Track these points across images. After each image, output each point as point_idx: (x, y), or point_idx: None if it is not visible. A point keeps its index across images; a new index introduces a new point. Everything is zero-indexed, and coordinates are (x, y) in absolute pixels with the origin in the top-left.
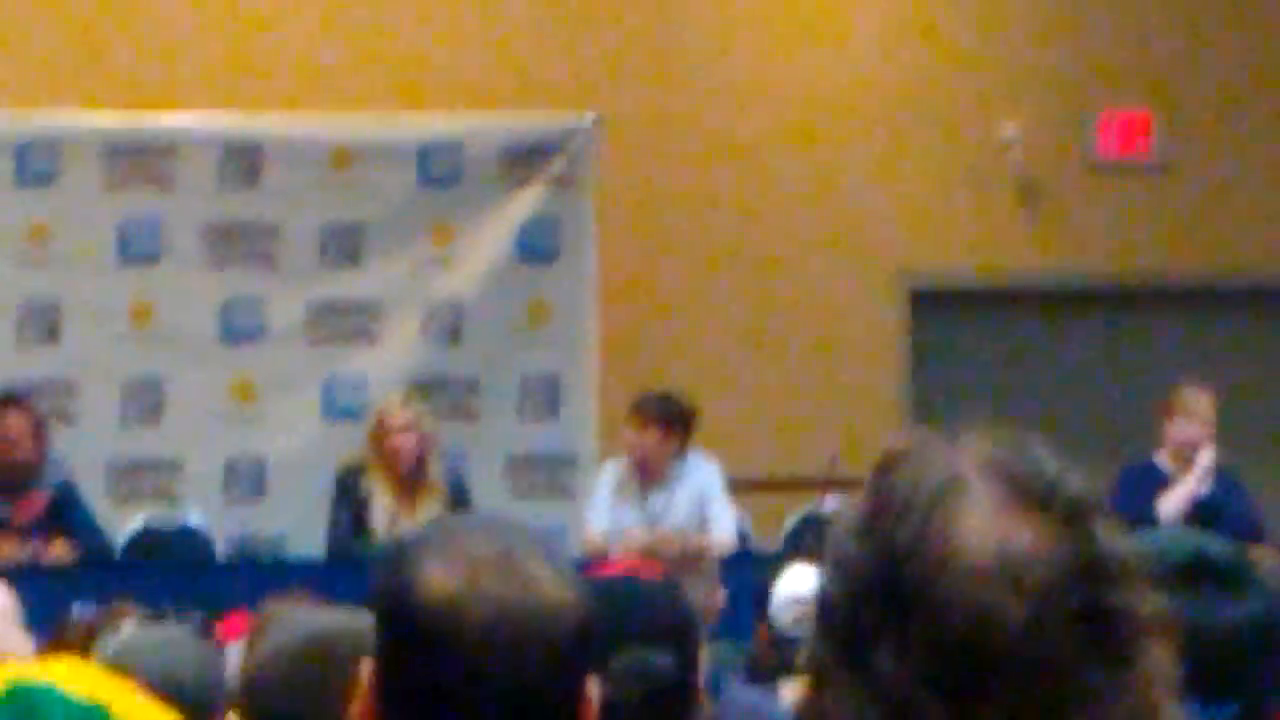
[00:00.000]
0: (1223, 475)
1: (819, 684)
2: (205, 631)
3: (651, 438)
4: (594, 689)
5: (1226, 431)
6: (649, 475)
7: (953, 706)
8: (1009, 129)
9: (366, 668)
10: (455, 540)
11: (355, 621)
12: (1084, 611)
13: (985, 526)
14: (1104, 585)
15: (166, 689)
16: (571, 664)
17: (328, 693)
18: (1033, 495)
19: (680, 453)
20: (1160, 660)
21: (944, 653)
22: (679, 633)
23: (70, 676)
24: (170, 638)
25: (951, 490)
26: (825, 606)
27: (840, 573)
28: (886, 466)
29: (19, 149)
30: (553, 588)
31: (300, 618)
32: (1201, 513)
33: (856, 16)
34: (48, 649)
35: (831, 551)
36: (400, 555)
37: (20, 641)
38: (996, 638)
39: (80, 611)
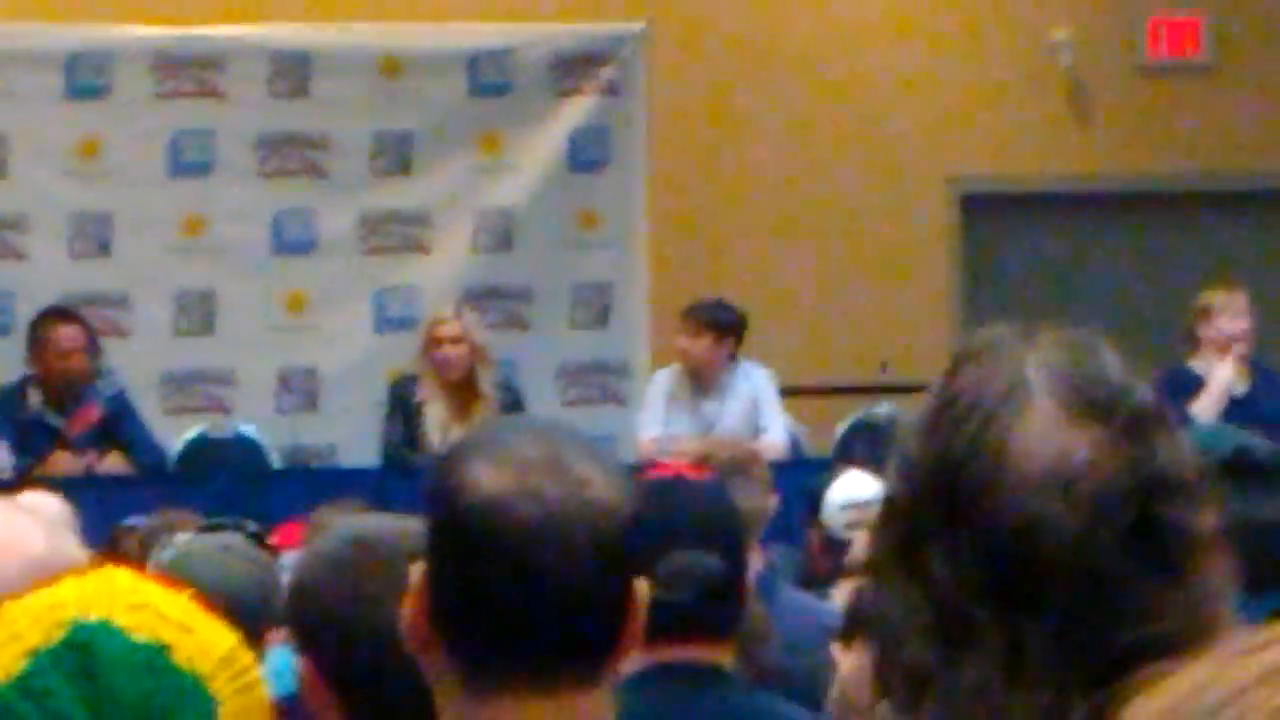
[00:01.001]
0: (1262, 374)
1: (876, 581)
2: (260, 540)
3: (703, 345)
4: (642, 589)
5: (1271, 336)
6: (701, 382)
7: (1001, 615)
8: (1059, 33)
9: (418, 570)
10: (504, 442)
11: (404, 525)
12: (1138, 525)
13: (1043, 435)
14: (1160, 499)
15: (221, 597)
16: (620, 564)
17: (375, 595)
18: (1095, 405)
19: (732, 360)
20: (1216, 575)
21: (994, 561)
22: (727, 534)
23: (129, 604)
24: (225, 546)
25: (1014, 396)
26: (887, 504)
27: (902, 471)
28: (955, 366)
29: (68, 62)
30: (602, 488)
31: (348, 522)
32: (1240, 411)
33: None
34: (103, 560)
35: (897, 449)
36: (449, 457)
37: (77, 553)
38: (1047, 548)
39: (135, 522)
